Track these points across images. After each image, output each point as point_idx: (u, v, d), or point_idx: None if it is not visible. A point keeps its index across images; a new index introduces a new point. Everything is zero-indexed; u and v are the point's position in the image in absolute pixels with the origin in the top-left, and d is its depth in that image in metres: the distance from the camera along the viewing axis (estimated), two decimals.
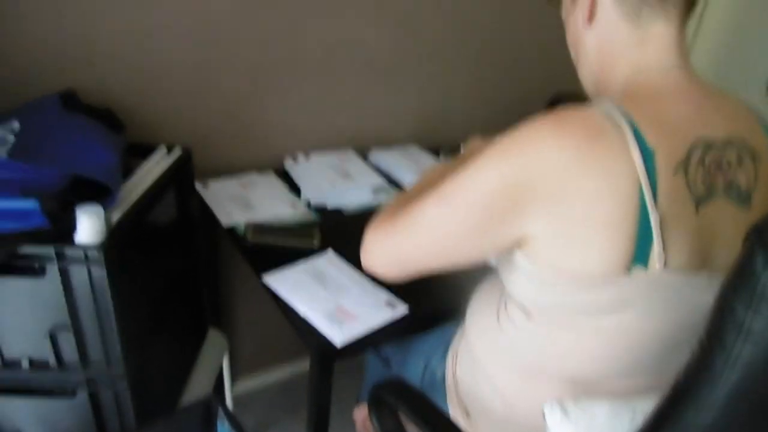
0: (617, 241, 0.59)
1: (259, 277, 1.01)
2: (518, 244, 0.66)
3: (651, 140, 0.60)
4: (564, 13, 0.79)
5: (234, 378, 1.67)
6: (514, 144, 0.62)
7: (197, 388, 1.16)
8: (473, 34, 1.65)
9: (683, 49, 0.69)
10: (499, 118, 1.83)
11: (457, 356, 0.88)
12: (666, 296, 0.62)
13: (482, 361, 0.80)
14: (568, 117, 0.62)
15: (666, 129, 0.62)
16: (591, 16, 0.72)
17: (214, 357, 1.28)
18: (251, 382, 1.73)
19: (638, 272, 0.60)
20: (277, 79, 1.37)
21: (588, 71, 0.76)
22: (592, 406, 0.66)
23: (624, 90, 0.69)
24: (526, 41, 1.76)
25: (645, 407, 0.64)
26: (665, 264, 0.60)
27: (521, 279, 0.69)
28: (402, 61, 1.55)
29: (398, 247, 0.71)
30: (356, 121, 1.55)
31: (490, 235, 0.65)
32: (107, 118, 1.06)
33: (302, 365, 1.82)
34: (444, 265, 0.71)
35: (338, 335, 0.88)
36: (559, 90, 1.78)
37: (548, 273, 0.64)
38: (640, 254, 0.59)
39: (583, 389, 0.69)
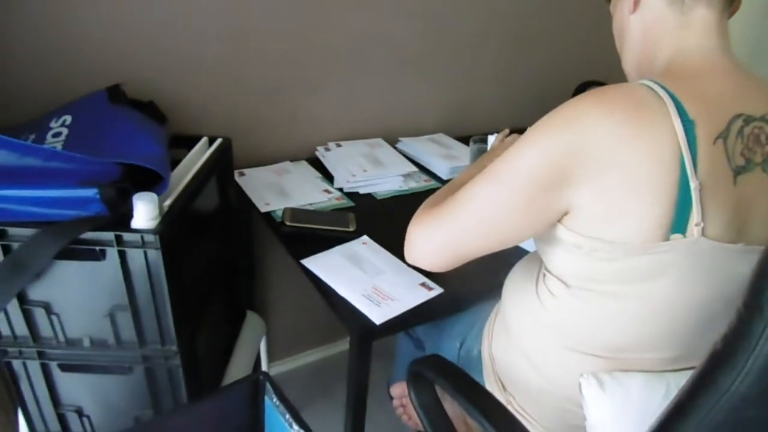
0: (658, 208, 0.61)
1: (297, 261, 1.05)
2: (562, 216, 0.68)
3: (692, 112, 0.62)
4: (611, 5, 0.83)
5: (269, 361, 1.73)
6: (559, 118, 0.65)
7: (238, 368, 1.22)
8: (501, 24, 1.66)
9: (724, 33, 0.71)
10: (527, 106, 1.84)
11: (492, 333, 0.91)
12: (702, 264, 0.64)
13: (518, 336, 0.83)
14: (610, 90, 0.65)
15: (706, 103, 0.64)
16: (636, 3, 0.76)
17: (253, 339, 1.33)
18: (285, 365, 1.79)
19: (676, 238, 0.62)
20: (309, 72, 1.41)
21: (632, 57, 0.79)
22: (628, 379, 0.68)
23: (665, 71, 0.71)
24: (553, 30, 1.76)
25: (679, 380, 0.66)
26: (703, 232, 0.62)
27: (560, 251, 0.71)
28: (431, 51, 1.57)
29: (446, 234, 0.73)
30: (386, 110, 1.58)
31: (539, 209, 0.67)
32: (151, 110, 1.11)
33: (334, 349, 1.87)
34: (493, 246, 0.73)
35: (377, 314, 0.92)
36: (585, 78, 1.78)
37: (589, 242, 0.66)
38: (679, 222, 0.62)
39: (619, 362, 0.72)
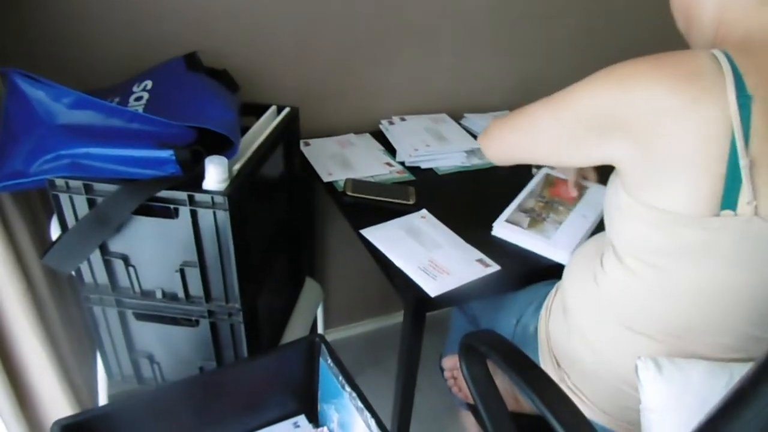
0: (704, 181, 0.61)
1: (357, 231, 1.08)
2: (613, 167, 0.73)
3: (751, 85, 0.60)
4: None
5: (325, 328, 1.78)
6: (614, 75, 0.68)
7: (295, 331, 1.26)
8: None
9: None
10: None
11: (550, 311, 0.90)
12: (756, 245, 0.62)
13: (575, 315, 0.82)
14: (668, 57, 0.65)
15: None
16: None
17: (311, 304, 1.37)
18: (339, 333, 1.85)
19: (727, 215, 0.60)
20: (378, 45, 1.41)
21: (701, 37, 0.76)
22: (689, 365, 0.66)
23: (740, 43, 0.68)
24: (630, 6, 1.67)
25: (743, 371, 0.63)
26: (755, 212, 0.60)
27: (620, 219, 0.72)
28: (500, 28, 1.54)
29: (509, 137, 0.88)
30: (452, 86, 1.57)
31: (578, 144, 0.75)
32: (224, 78, 1.16)
33: (388, 321, 1.91)
34: (542, 162, 0.94)
35: (432, 287, 0.93)
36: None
37: (641, 208, 0.66)
38: (728, 198, 0.60)
39: (673, 345, 0.70)
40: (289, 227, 1.24)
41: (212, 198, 0.84)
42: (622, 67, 0.68)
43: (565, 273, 0.89)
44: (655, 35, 1.72)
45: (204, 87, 1.05)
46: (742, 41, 0.68)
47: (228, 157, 0.88)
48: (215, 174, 0.84)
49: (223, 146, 0.91)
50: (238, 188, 0.86)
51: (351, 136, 1.43)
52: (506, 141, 0.88)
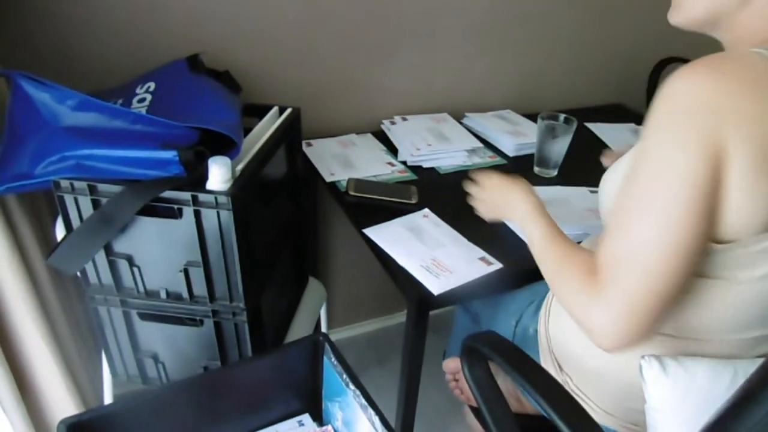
0: None
1: (359, 231, 1.08)
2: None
3: None
4: None
5: (328, 328, 1.78)
6: (681, 103, 0.57)
7: (299, 330, 1.27)
8: None
9: None
10: (602, 83, 1.77)
11: (549, 312, 0.90)
12: None
13: None
14: (726, 63, 0.59)
15: None
16: None
17: (314, 304, 1.38)
18: (343, 332, 1.85)
19: None
20: (379, 46, 1.42)
21: (750, 30, 0.65)
22: (693, 364, 0.66)
23: None
24: (632, 3, 1.67)
25: (747, 369, 0.64)
26: None
27: None
28: (501, 26, 1.54)
29: (635, 299, 0.60)
30: (453, 85, 1.57)
31: (709, 209, 0.58)
32: (226, 79, 1.16)
33: (391, 320, 1.91)
34: (682, 281, 0.61)
35: (435, 285, 0.93)
36: (666, 55, 1.68)
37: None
38: None
39: (680, 345, 0.70)
40: (292, 227, 1.24)
41: (216, 198, 0.85)
42: (684, 93, 0.57)
43: None
44: (655, 31, 1.72)
45: (206, 88, 1.05)
46: None
47: (231, 158, 0.89)
48: (218, 174, 0.85)
49: (226, 147, 0.92)
50: (241, 188, 0.87)
51: (353, 136, 1.43)
52: (630, 307, 0.60)
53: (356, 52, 1.40)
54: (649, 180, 0.59)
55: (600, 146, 1.47)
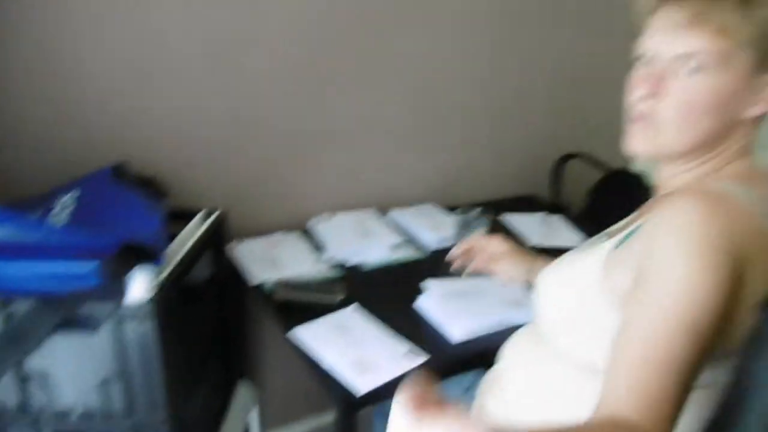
0: None
1: (286, 332, 1.09)
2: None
3: None
4: (696, 67, 0.67)
5: (262, 429, 1.71)
6: (700, 240, 0.61)
7: None
8: (487, 100, 1.77)
9: None
10: (512, 176, 1.92)
11: (484, 407, 0.88)
12: None
13: (524, 408, 0.80)
14: (711, 198, 0.65)
15: None
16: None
17: (244, 408, 1.34)
18: None
19: None
20: (303, 148, 1.50)
21: (701, 138, 0.70)
22: None
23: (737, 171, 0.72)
24: (537, 102, 1.86)
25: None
26: None
27: (604, 338, 0.67)
28: (422, 126, 1.67)
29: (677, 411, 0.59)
30: (378, 182, 1.66)
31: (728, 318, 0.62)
32: (152, 185, 1.19)
33: (327, 417, 1.86)
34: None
35: (360, 384, 0.94)
36: (568, 150, 1.87)
37: None
38: None
39: None
40: (220, 331, 1.23)
41: (136, 309, 0.85)
42: (699, 234, 0.62)
43: (508, 365, 0.87)
44: (555, 131, 1.91)
45: (130, 196, 1.07)
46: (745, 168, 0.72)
47: (153, 267, 0.90)
48: (141, 284, 0.85)
49: (149, 255, 0.93)
50: (165, 297, 0.87)
51: (280, 235, 1.47)
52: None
53: (283, 155, 1.48)
54: (680, 305, 0.60)
55: (513, 237, 1.58)
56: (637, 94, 0.71)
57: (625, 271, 0.68)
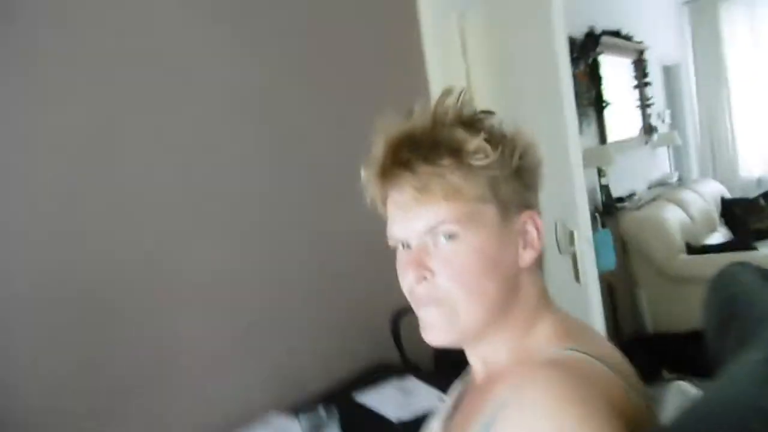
0: None
1: None
2: None
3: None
4: (468, 221, 0.65)
5: None
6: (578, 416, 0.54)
7: None
8: (304, 292, 1.72)
9: None
10: (353, 346, 1.83)
11: None
12: None
13: None
14: (566, 368, 0.60)
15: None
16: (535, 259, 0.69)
17: None
18: None
19: None
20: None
21: (493, 301, 0.66)
22: None
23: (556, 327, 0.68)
24: (358, 265, 1.84)
25: None
26: None
27: None
28: (239, 340, 1.55)
29: None
30: (206, 411, 1.45)
31: None
32: None
33: None
34: None
35: None
36: (397, 307, 1.85)
37: None
38: None
39: None
40: None
41: None
42: (580, 420, 0.54)
43: None
44: (386, 287, 1.91)
45: None
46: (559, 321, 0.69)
47: None
48: None
49: None
50: None
51: None
52: None
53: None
54: None
55: (374, 418, 1.45)
56: (408, 279, 0.67)
57: None
